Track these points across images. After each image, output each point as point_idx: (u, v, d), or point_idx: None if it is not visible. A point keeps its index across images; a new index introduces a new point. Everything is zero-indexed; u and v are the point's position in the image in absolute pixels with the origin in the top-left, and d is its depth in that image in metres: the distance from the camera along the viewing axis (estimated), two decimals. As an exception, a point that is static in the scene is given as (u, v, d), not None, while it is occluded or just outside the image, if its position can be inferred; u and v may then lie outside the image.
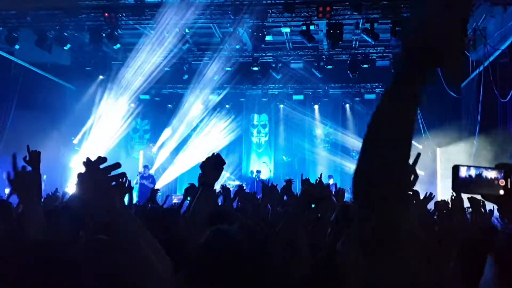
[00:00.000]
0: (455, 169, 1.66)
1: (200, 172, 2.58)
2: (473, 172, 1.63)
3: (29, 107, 14.66)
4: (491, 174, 1.63)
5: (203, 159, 2.59)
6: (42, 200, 4.23)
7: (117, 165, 1.69)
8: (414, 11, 1.10)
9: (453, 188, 1.69)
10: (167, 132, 17.23)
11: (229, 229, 1.88)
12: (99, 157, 1.66)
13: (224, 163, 2.59)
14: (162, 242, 1.91)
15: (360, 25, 11.84)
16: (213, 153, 2.60)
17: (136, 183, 14.02)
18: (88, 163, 1.64)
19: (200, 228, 2.38)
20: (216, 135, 17.38)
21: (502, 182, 1.61)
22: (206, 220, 2.48)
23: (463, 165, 1.66)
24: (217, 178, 2.58)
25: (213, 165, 2.53)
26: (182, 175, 16.65)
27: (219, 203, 6.27)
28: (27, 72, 14.39)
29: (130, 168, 16.11)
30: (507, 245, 1.19)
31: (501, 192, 1.60)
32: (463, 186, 1.67)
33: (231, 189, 6.83)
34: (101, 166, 1.64)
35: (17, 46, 12.61)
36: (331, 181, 14.15)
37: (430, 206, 4.41)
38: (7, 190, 5.14)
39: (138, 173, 14.98)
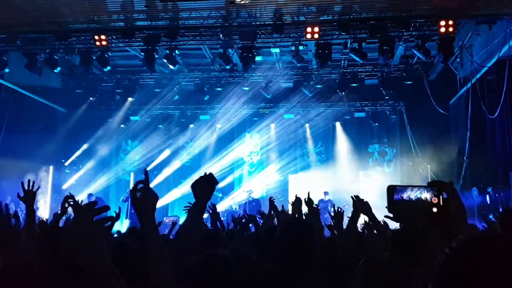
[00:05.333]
0: (390, 189, 1.69)
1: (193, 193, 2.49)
2: (408, 192, 1.68)
3: (19, 130, 14.58)
4: (424, 193, 1.66)
5: (196, 179, 2.52)
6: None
7: (106, 209, 1.64)
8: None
9: (389, 209, 1.71)
10: (162, 154, 17.15)
11: (223, 253, 1.87)
12: (91, 202, 1.61)
13: (217, 182, 2.52)
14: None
15: (349, 45, 11.95)
16: (205, 173, 2.53)
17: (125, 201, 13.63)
18: (78, 209, 1.58)
19: (192, 250, 2.37)
20: (207, 156, 17.34)
21: (435, 200, 1.64)
22: (199, 243, 2.46)
23: (398, 186, 1.70)
24: (209, 198, 2.52)
25: (205, 185, 2.47)
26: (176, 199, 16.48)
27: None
28: (17, 95, 14.33)
29: (122, 190, 15.99)
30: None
31: (434, 209, 1.64)
32: (398, 207, 1.69)
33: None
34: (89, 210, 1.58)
35: (7, 70, 12.56)
36: (326, 198, 14.16)
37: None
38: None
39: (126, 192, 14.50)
